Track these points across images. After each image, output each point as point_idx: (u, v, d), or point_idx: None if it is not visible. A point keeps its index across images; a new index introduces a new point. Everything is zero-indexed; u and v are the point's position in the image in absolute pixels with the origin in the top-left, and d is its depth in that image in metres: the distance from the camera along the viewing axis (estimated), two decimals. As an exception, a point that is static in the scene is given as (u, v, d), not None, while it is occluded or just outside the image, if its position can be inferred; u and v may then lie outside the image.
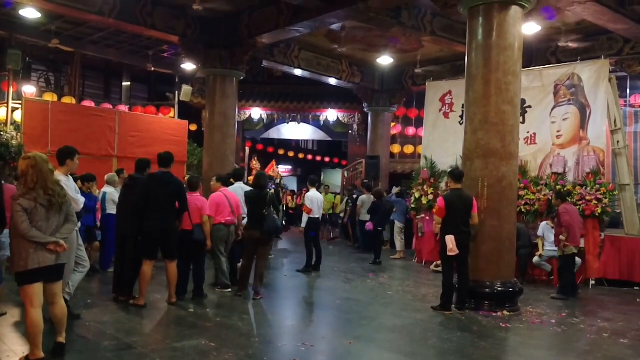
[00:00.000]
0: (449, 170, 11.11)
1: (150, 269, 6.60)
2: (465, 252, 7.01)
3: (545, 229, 9.31)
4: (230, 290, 7.58)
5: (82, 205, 5.74)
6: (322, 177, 25.99)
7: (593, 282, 9.33)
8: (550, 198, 9.60)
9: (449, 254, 6.89)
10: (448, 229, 6.97)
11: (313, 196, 9.74)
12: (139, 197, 6.53)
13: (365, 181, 15.29)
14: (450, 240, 6.87)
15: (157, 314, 6.37)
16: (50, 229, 4.25)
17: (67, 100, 15.29)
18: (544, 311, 7.29)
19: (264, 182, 7.47)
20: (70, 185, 5.52)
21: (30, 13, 11.67)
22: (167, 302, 6.73)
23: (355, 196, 13.99)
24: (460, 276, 7.07)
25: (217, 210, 7.50)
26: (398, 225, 12.37)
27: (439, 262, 10.32)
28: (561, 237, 8.13)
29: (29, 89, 14.87)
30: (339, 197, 16.60)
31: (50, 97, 14.52)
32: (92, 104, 15.36)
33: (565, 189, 9.49)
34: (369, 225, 11.61)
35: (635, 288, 9.14)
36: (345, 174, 18.38)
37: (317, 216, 9.77)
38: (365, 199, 12.77)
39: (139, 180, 6.80)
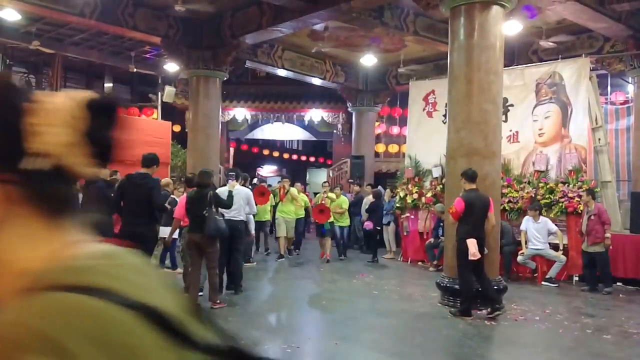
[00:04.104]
0: (432, 168, 11.26)
1: None
2: (483, 255, 6.75)
3: (528, 224, 9.38)
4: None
5: None
6: (307, 177, 25.98)
7: (576, 279, 9.42)
8: (534, 195, 9.70)
9: (471, 258, 6.55)
10: (468, 232, 6.64)
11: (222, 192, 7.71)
12: (114, 199, 6.43)
13: (349, 180, 15.28)
14: (472, 244, 6.55)
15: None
16: None
17: (48, 102, 15.10)
18: (528, 308, 7.36)
19: (205, 180, 6.91)
20: None
21: (10, 15, 11.48)
22: None
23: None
24: (481, 280, 6.77)
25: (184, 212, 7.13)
26: (393, 226, 12.34)
27: (434, 262, 10.42)
28: (607, 234, 8.49)
29: (9, 92, 14.66)
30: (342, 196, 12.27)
31: (31, 99, 14.32)
32: (74, 106, 15.18)
33: (547, 187, 9.61)
34: (369, 225, 11.62)
35: (618, 284, 9.25)
36: (331, 174, 18.39)
37: (228, 218, 7.58)
38: (369, 199, 12.53)
39: (91, 183, 6.74)
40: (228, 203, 7.00)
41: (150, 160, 6.59)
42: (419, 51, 14.13)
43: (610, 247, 8.69)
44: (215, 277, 6.84)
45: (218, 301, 6.81)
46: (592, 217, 8.62)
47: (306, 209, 12.09)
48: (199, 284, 6.90)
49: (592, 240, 8.62)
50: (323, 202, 11.28)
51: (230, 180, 7.85)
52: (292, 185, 11.85)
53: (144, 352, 0.60)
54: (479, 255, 6.57)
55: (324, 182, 12.41)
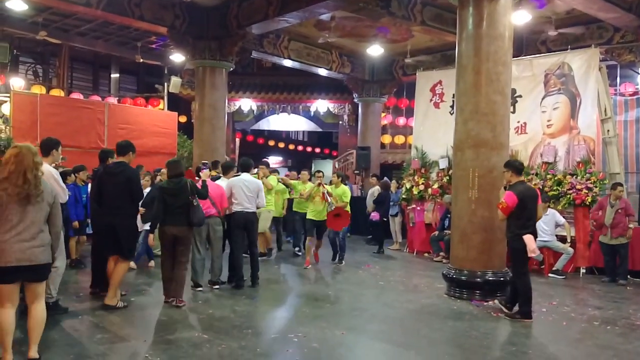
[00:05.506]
0: (439, 159, 11.20)
1: (112, 266, 6.20)
2: None
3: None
4: (201, 289, 7.18)
5: (67, 197, 5.72)
6: (312, 168, 25.92)
7: (584, 271, 9.39)
8: (542, 187, 9.64)
9: (531, 255, 6.22)
10: (523, 227, 6.21)
11: (226, 182, 7.77)
12: (92, 191, 6.39)
13: (355, 171, 15.24)
14: (530, 240, 6.14)
15: (150, 308, 6.34)
16: (25, 222, 4.04)
17: (56, 92, 15.16)
18: (534, 300, 7.26)
19: (179, 170, 6.57)
20: (57, 176, 5.52)
21: (17, 5, 11.51)
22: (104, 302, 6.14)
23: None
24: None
25: None
26: (399, 217, 12.31)
27: (440, 254, 10.37)
28: (631, 225, 8.65)
29: (17, 82, 14.71)
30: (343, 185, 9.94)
31: (38, 89, 14.37)
32: (81, 96, 15.22)
33: (555, 178, 9.56)
34: (375, 216, 11.57)
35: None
36: (336, 165, 18.37)
37: (241, 209, 7.50)
38: (375, 190, 12.38)
39: (98, 172, 6.72)
40: (203, 192, 6.77)
41: (125, 148, 6.36)
42: (426, 41, 14.05)
43: (630, 239, 8.79)
44: (184, 272, 6.53)
45: (180, 300, 6.40)
46: (620, 211, 8.70)
47: None
48: (170, 277, 6.48)
49: (619, 232, 8.70)
50: (335, 203, 9.05)
51: (204, 169, 7.72)
52: (291, 174, 11.44)
53: None
54: (538, 252, 6.34)
55: (318, 170, 10.03)
